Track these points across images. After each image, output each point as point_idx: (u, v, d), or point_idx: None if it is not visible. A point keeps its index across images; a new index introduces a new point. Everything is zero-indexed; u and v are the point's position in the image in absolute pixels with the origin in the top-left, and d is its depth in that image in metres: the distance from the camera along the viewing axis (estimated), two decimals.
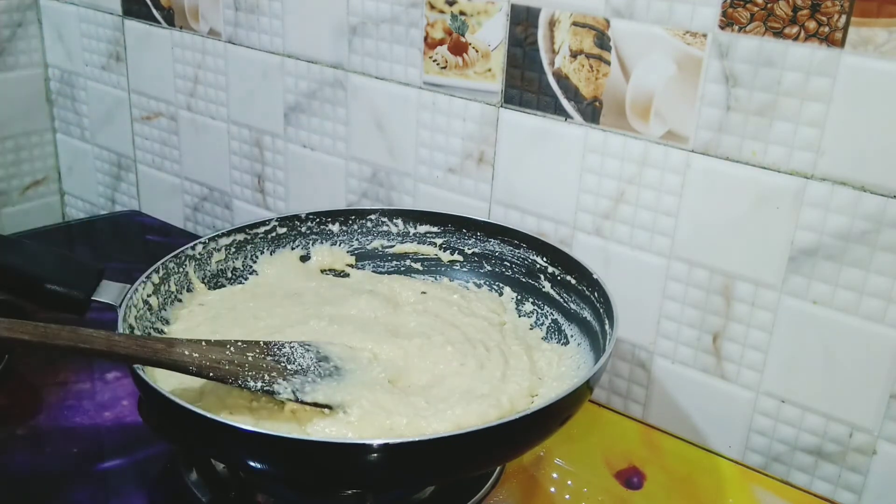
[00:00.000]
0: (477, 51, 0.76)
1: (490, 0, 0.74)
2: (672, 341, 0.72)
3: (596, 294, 0.66)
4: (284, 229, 0.77)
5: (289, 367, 0.58)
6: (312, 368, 0.59)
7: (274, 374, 0.57)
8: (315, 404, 0.57)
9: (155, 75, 1.06)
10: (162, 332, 0.67)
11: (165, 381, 0.57)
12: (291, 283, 0.75)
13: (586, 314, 0.68)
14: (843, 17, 0.57)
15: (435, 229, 0.78)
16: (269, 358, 0.58)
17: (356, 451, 0.50)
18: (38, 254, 0.68)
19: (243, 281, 0.75)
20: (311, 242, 0.78)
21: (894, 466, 0.64)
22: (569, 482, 0.66)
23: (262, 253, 0.76)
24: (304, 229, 0.78)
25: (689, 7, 0.64)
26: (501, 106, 0.76)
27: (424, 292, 0.74)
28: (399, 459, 0.51)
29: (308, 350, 0.61)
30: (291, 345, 0.60)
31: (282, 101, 0.93)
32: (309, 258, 0.78)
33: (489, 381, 0.61)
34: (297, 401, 0.57)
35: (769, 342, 0.67)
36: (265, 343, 0.60)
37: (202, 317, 0.69)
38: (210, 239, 0.73)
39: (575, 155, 0.73)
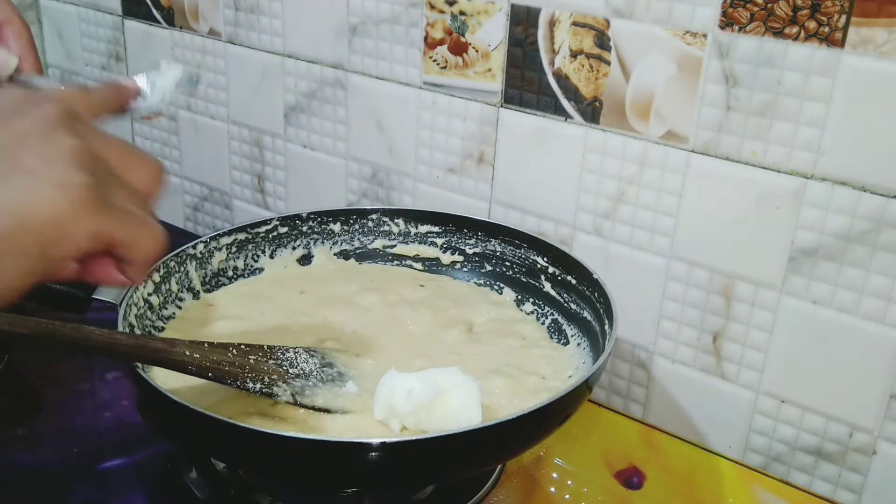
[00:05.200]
0: (477, 51, 0.76)
1: (490, 0, 0.74)
2: (672, 341, 0.72)
3: (596, 294, 0.66)
4: (286, 228, 0.77)
5: (291, 370, 0.58)
6: (315, 373, 0.59)
7: (275, 377, 0.57)
8: (314, 408, 0.57)
9: None
10: (163, 329, 0.67)
11: (165, 381, 0.57)
12: (293, 280, 0.75)
13: (586, 314, 0.68)
14: (843, 17, 0.57)
15: (436, 229, 0.78)
16: (271, 361, 0.58)
17: (356, 450, 0.50)
18: None
19: (242, 280, 0.75)
20: (312, 242, 0.78)
21: (894, 466, 0.64)
22: (569, 482, 0.66)
23: (264, 252, 0.76)
24: (305, 229, 0.78)
25: (689, 7, 0.64)
26: (501, 106, 0.76)
27: (423, 285, 0.74)
28: (399, 458, 0.51)
29: (313, 356, 0.60)
30: (296, 349, 0.60)
31: (282, 101, 0.93)
32: (310, 257, 0.78)
33: (492, 383, 0.61)
34: (295, 404, 0.57)
35: (769, 342, 0.67)
36: (269, 347, 0.59)
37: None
38: (211, 238, 0.73)
39: (575, 155, 0.73)
